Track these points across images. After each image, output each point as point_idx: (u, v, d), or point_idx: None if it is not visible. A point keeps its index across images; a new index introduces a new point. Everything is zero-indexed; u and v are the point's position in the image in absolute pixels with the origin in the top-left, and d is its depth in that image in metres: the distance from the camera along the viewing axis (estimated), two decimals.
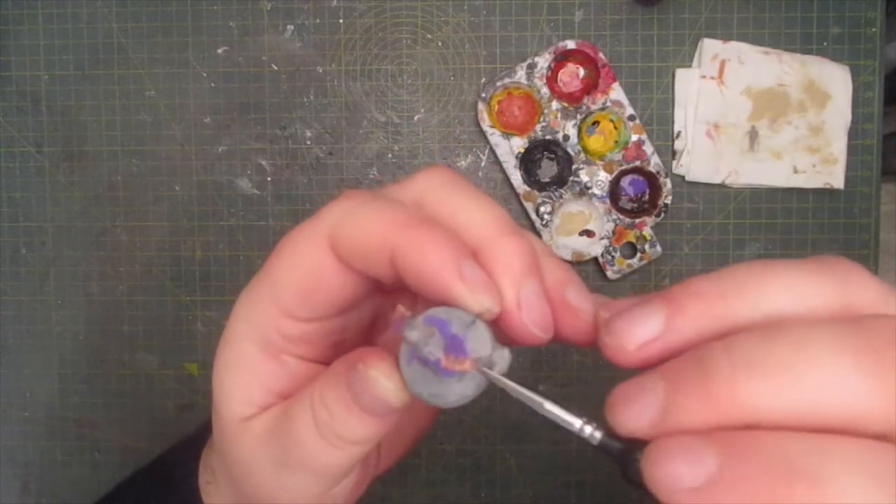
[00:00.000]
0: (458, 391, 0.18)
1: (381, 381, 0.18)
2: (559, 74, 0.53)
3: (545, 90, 0.53)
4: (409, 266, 0.18)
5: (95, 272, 0.57)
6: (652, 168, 0.53)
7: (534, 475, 0.55)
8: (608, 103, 0.52)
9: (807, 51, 0.53)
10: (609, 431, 0.17)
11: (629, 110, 0.52)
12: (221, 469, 0.24)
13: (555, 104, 0.53)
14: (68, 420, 0.57)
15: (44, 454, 0.58)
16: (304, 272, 0.20)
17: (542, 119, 0.53)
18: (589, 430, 0.17)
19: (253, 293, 0.21)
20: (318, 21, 0.55)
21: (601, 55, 0.52)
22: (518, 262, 0.19)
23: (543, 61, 0.52)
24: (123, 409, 0.57)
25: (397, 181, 0.22)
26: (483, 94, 0.53)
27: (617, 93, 0.52)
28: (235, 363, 0.21)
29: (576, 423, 0.17)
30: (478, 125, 0.53)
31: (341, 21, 0.55)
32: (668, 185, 0.52)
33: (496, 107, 0.53)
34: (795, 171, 0.53)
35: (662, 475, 0.14)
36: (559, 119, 0.53)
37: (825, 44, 0.53)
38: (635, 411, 0.16)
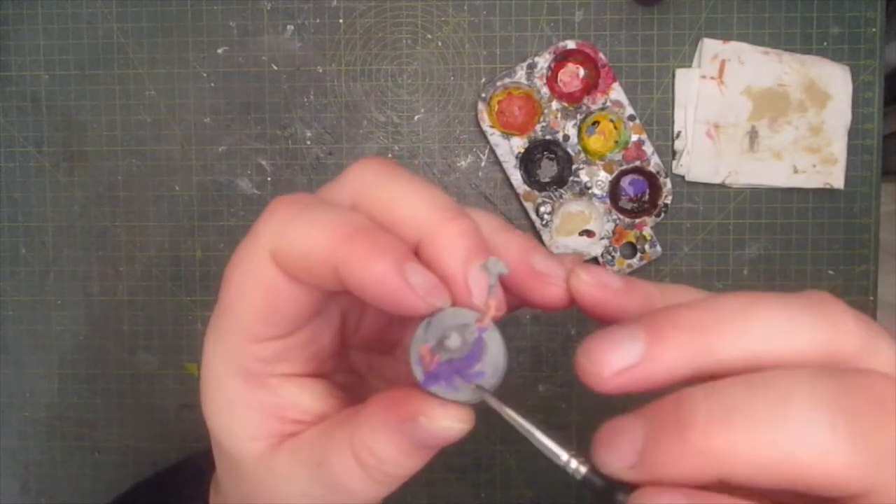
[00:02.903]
0: (498, 357, 0.19)
1: (454, 425, 0.19)
2: (559, 74, 0.53)
3: (545, 90, 0.53)
4: (354, 279, 0.18)
5: (95, 272, 0.57)
6: (652, 168, 0.53)
7: (534, 475, 0.55)
8: (608, 103, 0.52)
9: (807, 51, 0.53)
10: (594, 468, 0.17)
11: (629, 110, 0.52)
12: None
13: (555, 104, 0.53)
14: (68, 420, 0.57)
15: (44, 454, 0.58)
16: (258, 294, 0.20)
17: (542, 119, 0.53)
18: (574, 465, 0.17)
19: (218, 329, 0.21)
20: (318, 21, 0.55)
21: (601, 55, 0.52)
22: (461, 247, 0.19)
23: (543, 61, 0.52)
24: (123, 409, 0.57)
25: (331, 180, 0.21)
26: (483, 94, 0.53)
27: (617, 93, 0.52)
28: (226, 402, 0.21)
29: (563, 455, 0.17)
30: (478, 125, 0.53)
31: (341, 21, 0.55)
32: (668, 185, 0.52)
33: (496, 107, 0.53)
34: (795, 171, 0.53)
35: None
36: (559, 119, 0.53)
37: (825, 44, 0.53)
38: (616, 452, 0.16)
